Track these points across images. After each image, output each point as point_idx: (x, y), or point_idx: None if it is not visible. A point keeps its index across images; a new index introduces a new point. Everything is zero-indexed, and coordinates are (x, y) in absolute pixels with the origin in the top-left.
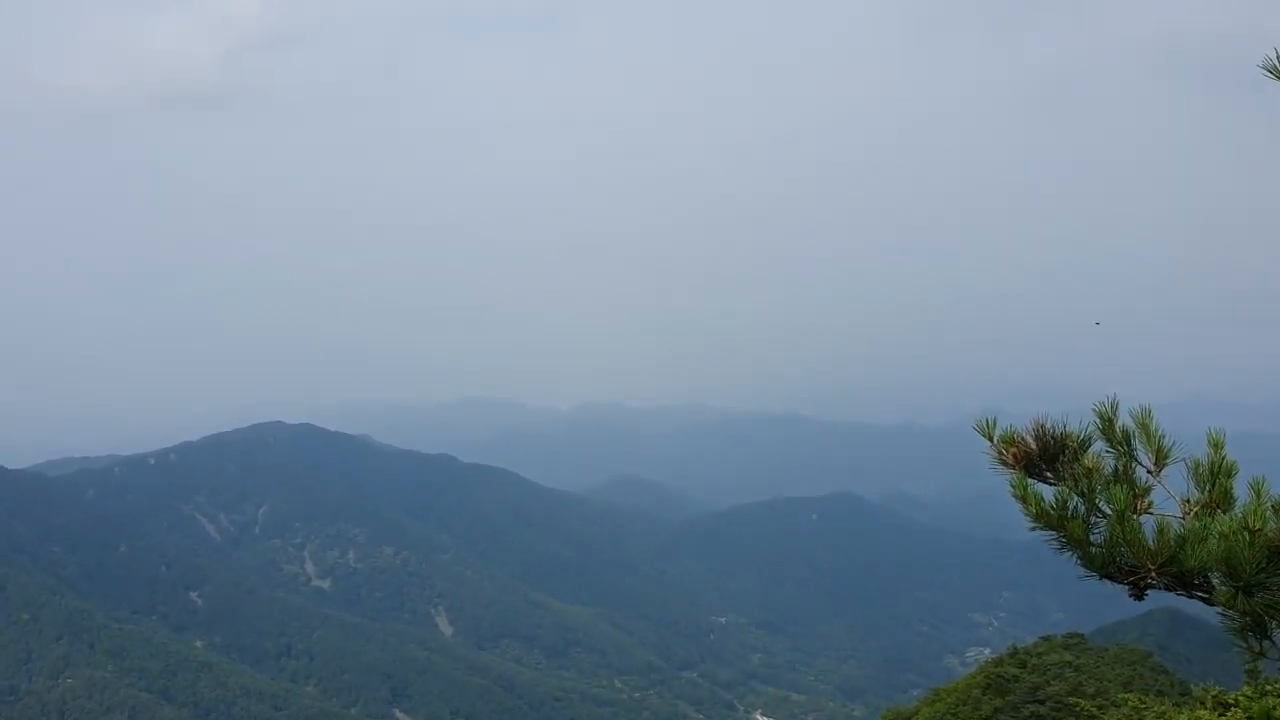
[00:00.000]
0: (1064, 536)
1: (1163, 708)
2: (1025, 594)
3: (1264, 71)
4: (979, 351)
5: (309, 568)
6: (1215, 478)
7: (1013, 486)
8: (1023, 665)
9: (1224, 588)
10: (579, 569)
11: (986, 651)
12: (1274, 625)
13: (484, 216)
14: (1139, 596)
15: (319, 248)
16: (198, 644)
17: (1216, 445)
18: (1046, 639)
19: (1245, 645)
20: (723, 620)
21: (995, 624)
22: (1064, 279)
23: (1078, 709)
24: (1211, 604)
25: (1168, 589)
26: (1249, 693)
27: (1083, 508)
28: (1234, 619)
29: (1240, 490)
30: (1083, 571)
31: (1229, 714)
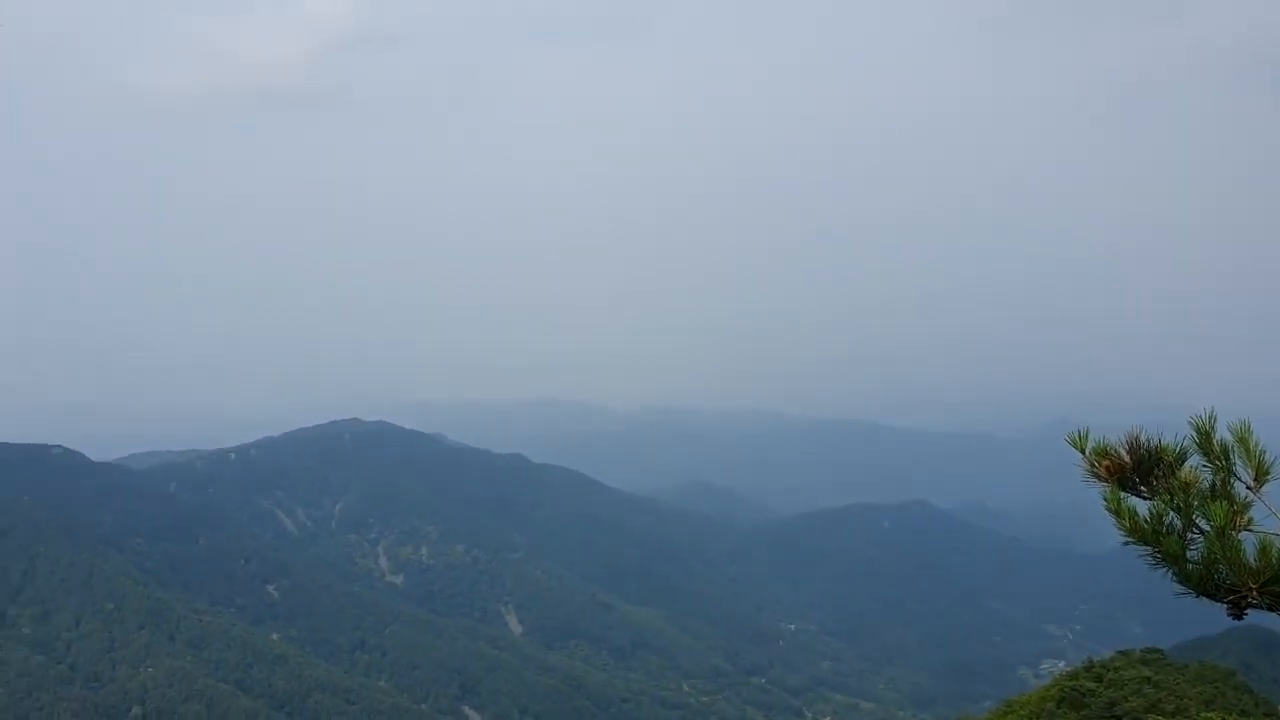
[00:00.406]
0: (1159, 552)
1: None
2: (1102, 607)
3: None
4: (1057, 362)
5: (383, 563)
6: None
7: (1106, 500)
8: (1099, 680)
9: None
10: (648, 571)
11: (1061, 664)
12: None
13: (555, 218)
14: (1238, 616)
15: (396, 249)
16: (274, 636)
17: None
18: (1124, 653)
19: None
20: (792, 626)
21: (1070, 637)
22: (1144, 291)
23: None
24: None
25: (1269, 609)
26: None
27: (1179, 523)
28: None
29: None
30: (1179, 589)
31: None
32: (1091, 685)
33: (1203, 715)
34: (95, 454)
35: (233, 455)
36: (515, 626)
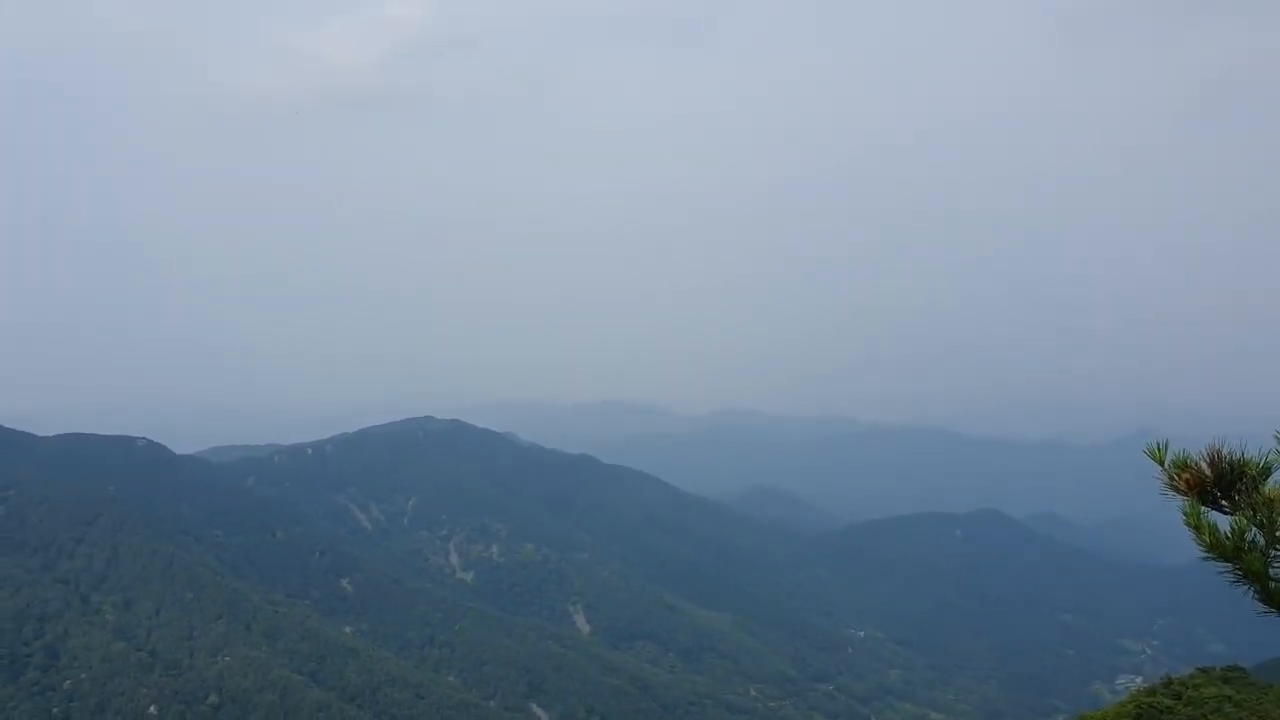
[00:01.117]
0: (1240, 569)
1: None
2: (1181, 623)
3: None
4: (1138, 371)
5: (453, 560)
6: None
7: (1185, 514)
8: (1177, 697)
9: None
10: (715, 575)
11: (1138, 680)
12: None
13: (622, 220)
14: None
15: (470, 250)
16: (346, 630)
17: None
18: (1204, 671)
19: None
20: (860, 634)
21: (1148, 652)
22: (1233, 298)
23: None
24: None
25: None
26: None
27: (1262, 540)
28: None
29: None
30: (1261, 607)
31: None
32: (1169, 703)
33: None
34: (178, 447)
35: (309, 451)
36: (583, 626)
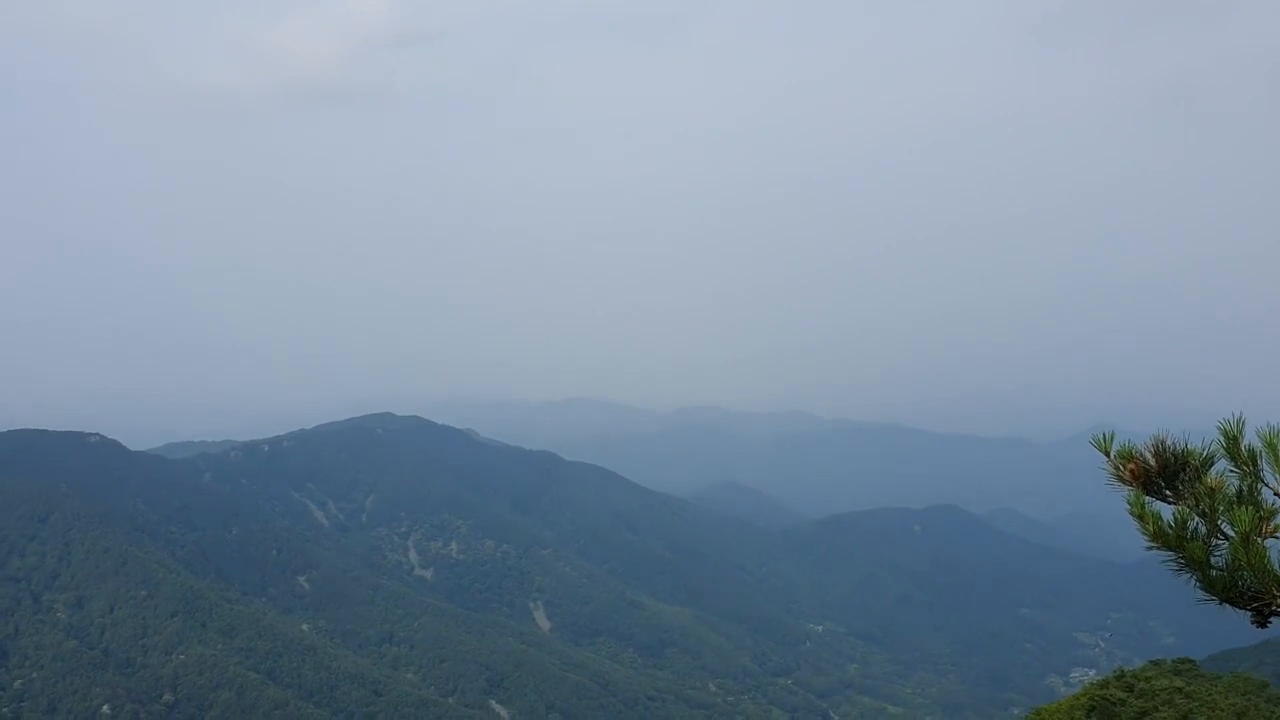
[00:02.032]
0: (1183, 558)
1: None
2: (1134, 616)
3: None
4: (1092, 367)
5: (413, 557)
6: None
7: (1129, 504)
8: (1130, 689)
9: None
10: (677, 570)
11: (1091, 673)
12: None
13: (583, 220)
14: (1262, 624)
15: (429, 247)
16: (304, 627)
17: None
18: (1156, 663)
19: None
20: (820, 628)
21: (1102, 645)
22: (1180, 296)
23: None
24: None
25: None
26: None
27: (1203, 529)
28: None
29: None
30: (1202, 595)
31: None
32: (1122, 695)
33: None
34: (132, 443)
35: (267, 448)
36: (543, 622)
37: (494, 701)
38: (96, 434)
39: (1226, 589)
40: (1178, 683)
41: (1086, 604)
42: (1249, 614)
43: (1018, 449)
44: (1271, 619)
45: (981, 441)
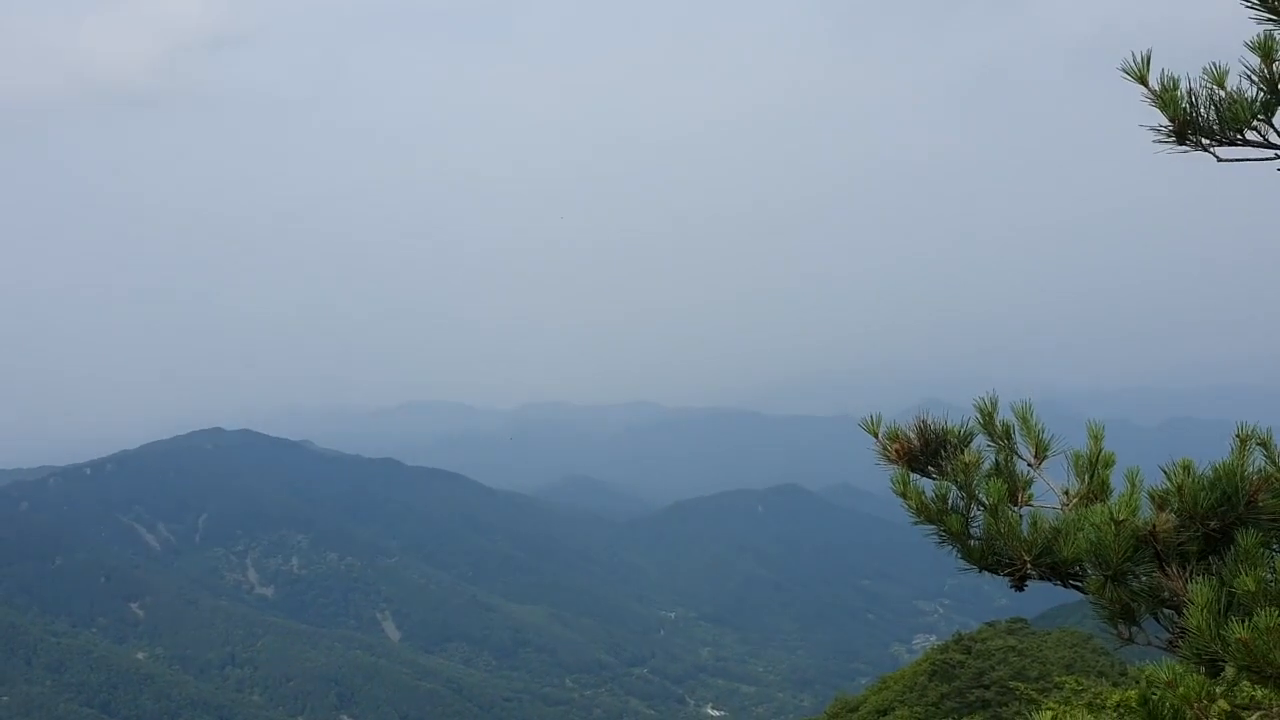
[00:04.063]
0: (944, 530)
1: (1100, 689)
2: (970, 581)
3: (1122, 73)
4: (921, 343)
5: (251, 575)
6: (1094, 469)
7: (893, 482)
8: (967, 651)
9: (1094, 577)
10: (528, 569)
11: (932, 639)
12: (1142, 612)
13: (420, 221)
14: (1019, 587)
15: (249, 253)
16: (139, 655)
17: (1096, 437)
18: (990, 625)
19: (1115, 632)
20: (672, 615)
21: (940, 611)
22: (1004, 269)
23: (1020, 693)
24: (1086, 593)
25: (1044, 579)
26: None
27: (962, 502)
28: (1104, 607)
29: (1118, 482)
30: (963, 565)
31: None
32: (960, 657)
33: (1060, 679)
34: None
35: (88, 471)
36: (393, 632)
37: (345, 717)
38: None
39: (984, 557)
40: (1011, 641)
41: (924, 573)
42: (1007, 580)
43: (850, 426)
44: (1027, 582)
45: (819, 420)
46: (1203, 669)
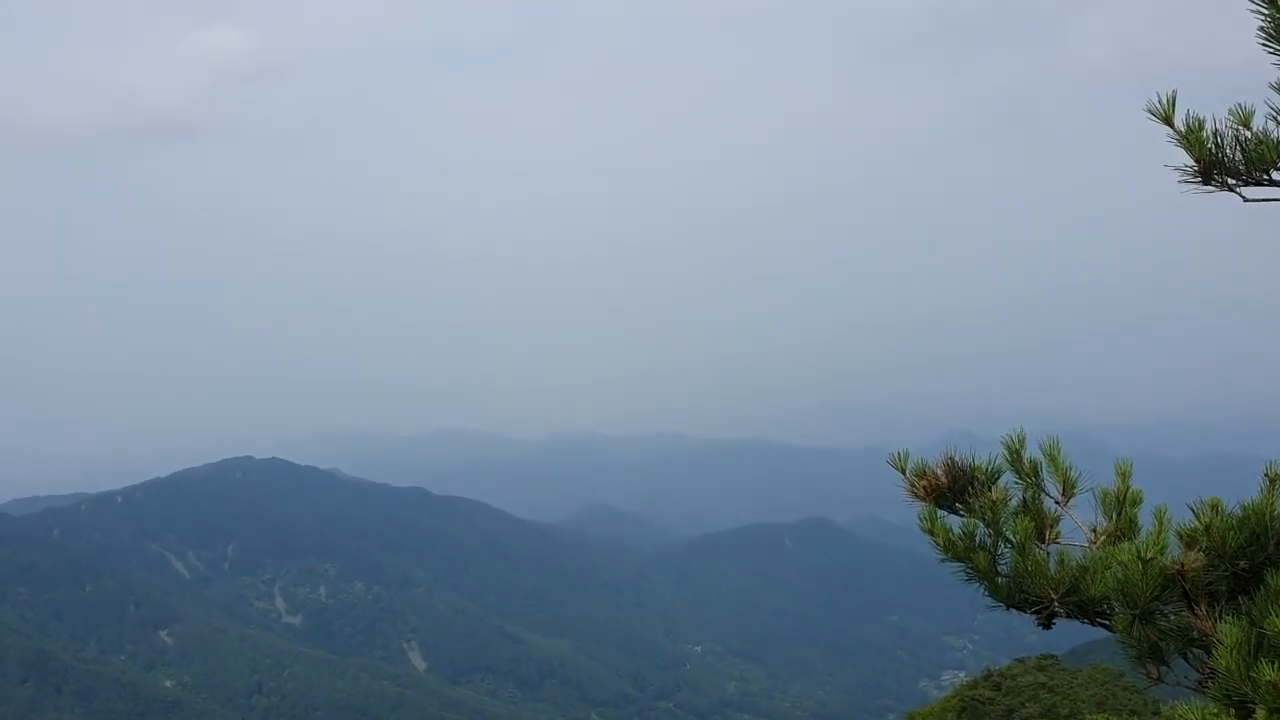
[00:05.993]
0: (971, 568)
1: None
2: (1000, 617)
3: (1148, 115)
4: (951, 376)
5: (279, 604)
6: (1122, 507)
7: (921, 519)
8: (997, 688)
9: (1122, 615)
10: (554, 601)
11: (961, 675)
12: (1170, 651)
13: (450, 247)
14: (1046, 625)
15: (282, 279)
16: (167, 683)
17: (1124, 475)
18: (1020, 661)
19: (1144, 671)
20: (698, 649)
21: (970, 647)
22: (1036, 301)
23: None
24: (1114, 631)
25: (1071, 617)
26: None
27: (989, 539)
28: (1132, 646)
29: (1147, 519)
30: (990, 602)
31: None
32: (990, 694)
33: (1091, 717)
34: None
35: (120, 499)
36: (419, 663)
37: None
38: None
39: (1011, 595)
40: (1041, 678)
41: (953, 608)
42: (1034, 617)
43: (880, 459)
44: (1055, 621)
45: (844, 453)
46: (1233, 710)
